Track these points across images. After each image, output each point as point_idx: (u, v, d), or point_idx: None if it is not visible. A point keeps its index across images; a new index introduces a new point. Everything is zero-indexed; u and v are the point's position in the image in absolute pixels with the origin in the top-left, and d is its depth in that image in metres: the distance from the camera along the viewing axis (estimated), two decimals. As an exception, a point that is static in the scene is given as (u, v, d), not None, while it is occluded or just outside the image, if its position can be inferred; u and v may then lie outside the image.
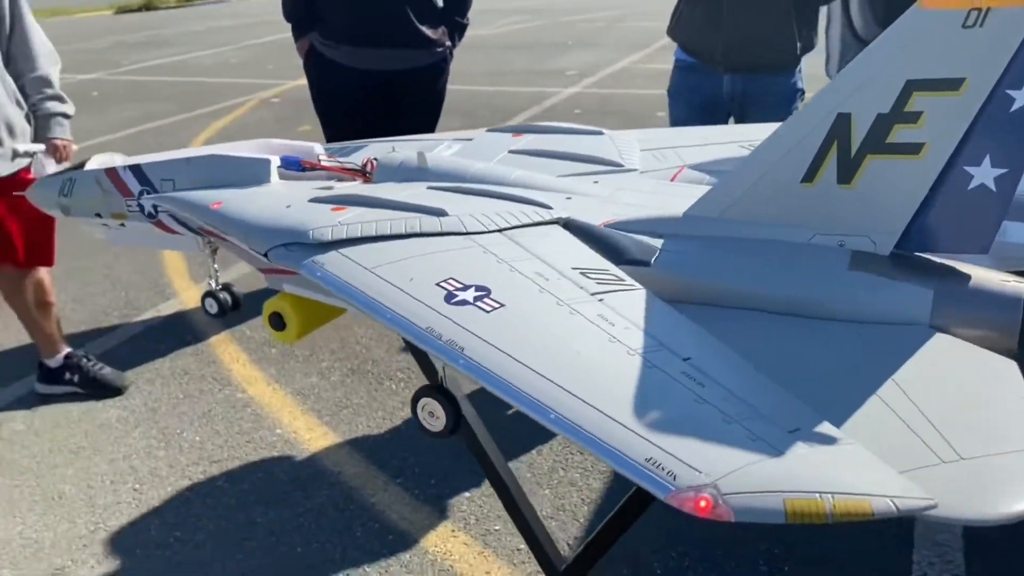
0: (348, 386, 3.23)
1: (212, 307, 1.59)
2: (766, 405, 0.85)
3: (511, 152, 1.46)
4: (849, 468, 0.80)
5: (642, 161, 1.45)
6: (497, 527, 2.44)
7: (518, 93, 8.81)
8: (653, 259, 1.10)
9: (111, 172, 1.51)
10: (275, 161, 1.40)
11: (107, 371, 3.26)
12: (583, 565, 1.54)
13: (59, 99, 2.97)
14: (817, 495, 0.76)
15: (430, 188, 1.25)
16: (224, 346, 3.62)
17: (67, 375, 3.21)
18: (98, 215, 1.58)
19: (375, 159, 1.38)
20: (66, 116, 2.98)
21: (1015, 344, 1.05)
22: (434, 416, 1.27)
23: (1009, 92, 0.94)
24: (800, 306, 1.03)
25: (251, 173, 1.37)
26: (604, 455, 0.81)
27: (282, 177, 1.43)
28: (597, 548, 1.52)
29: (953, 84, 0.94)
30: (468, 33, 3.96)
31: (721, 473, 0.79)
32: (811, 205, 1.04)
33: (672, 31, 3.28)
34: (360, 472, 2.73)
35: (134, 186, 1.49)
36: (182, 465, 2.80)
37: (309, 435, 2.93)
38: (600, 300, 0.98)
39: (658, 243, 1.12)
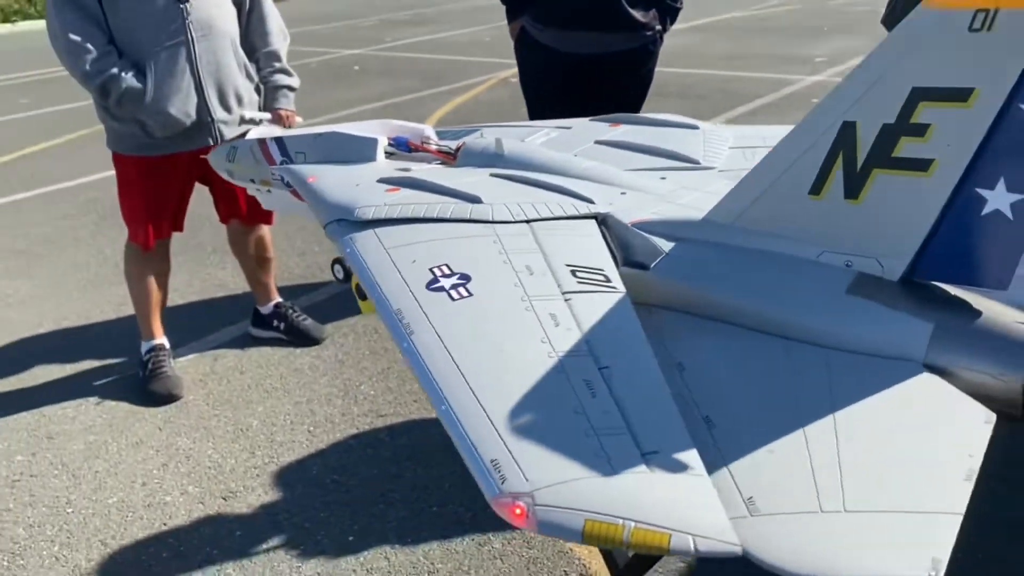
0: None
1: (339, 272, 1.69)
2: (643, 425, 0.80)
3: (597, 143, 1.44)
4: (674, 501, 0.76)
5: (730, 159, 1.36)
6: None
7: (756, 79, 8.44)
8: (653, 263, 1.05)
9: (262, 143, 1.68)
10: (383, 141, 1.48)
11: (309, 322, 3.59)
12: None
13: (286, 72, 3.27)
14: (620, 521, 0.74)
15: (493, 175, 1.27)
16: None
17: (275, 322, 3.57)
18: (252, 180, 1.77)
19: (464, 143, 1.42)
20: (291, 88, 3.28)
21: (1019, 395, 0.88)
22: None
23: (1022, 106, 0.80)
24: (788, 328, 0.94)
25: (360, 151, 1.47)
26: (462, 450, 0.81)
27: (390, 156, 1.51)
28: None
29: (962, 94, 0.81)
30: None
31: (544, 484, 0.77)
32: (819, 220, 0.94)
33: (886, 20, 3.01)
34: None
35: (276, 156, 1.64)
36: (353, 415, 3.04)
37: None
38: (567, 300, 0.96)
39: (667, 247, 1.07)
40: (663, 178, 1.27)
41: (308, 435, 2.94)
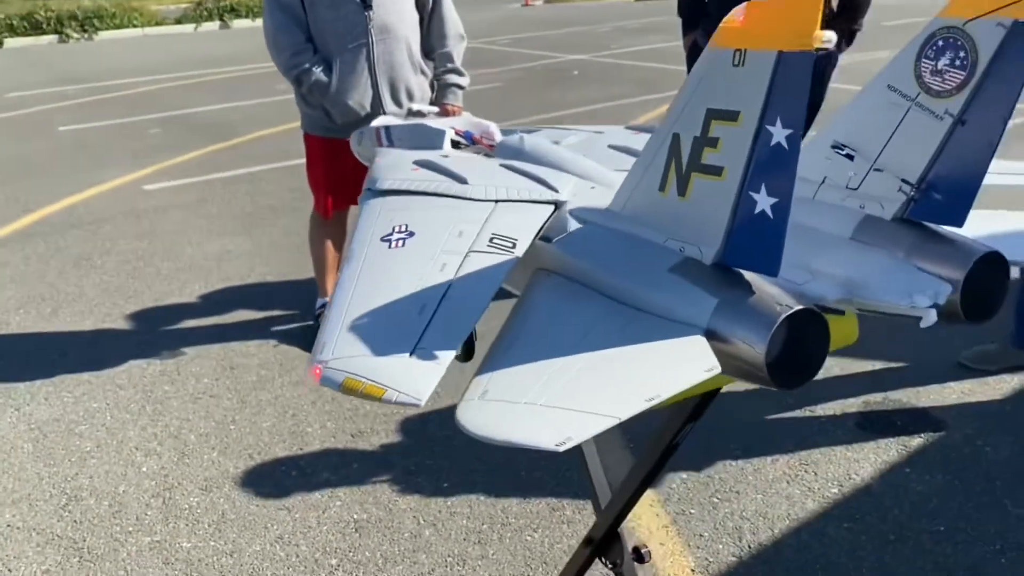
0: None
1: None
2: (433, 331, 1.07)
3: (609, 146, 1.62)
4: (404, 372, 1.03)
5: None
6: (692, 510, 2.56)
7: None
8: (555, 238, 1.25)
9: (378, 130, 2.01)
10: (450, 132, 1.76)
11: None
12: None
13: (457, 72, 3.65)
14: (363, 379, 1.03)
15: (501, 164, 1.51)
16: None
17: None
18: (370, 162, 2.10)
19: (503, 139, 1.67)
20: (459, 87, 3.66)
21: (762, 361, 1.00)
22: None
23: (768, 128, 0.95)
24: (624, 294, 1.10)
25: (432, 140, 1.76)
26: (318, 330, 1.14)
27: (457, 146, 1.79)
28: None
29: (733, 115, 1.00)
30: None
31: (338, 356, 1.07)
32: (665, 212, 1.09)
33: None
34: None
35: (384, 142, 1.97)
36: (477, 384, 3.36)
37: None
38: (466, 256, 1.19)
39: (574, 227, 1.26)
40: None
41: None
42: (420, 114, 3.55)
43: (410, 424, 3.10)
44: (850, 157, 1.24)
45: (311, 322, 3.89)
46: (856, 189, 1.25)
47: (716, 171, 1.02)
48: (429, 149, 1.74)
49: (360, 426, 3.11)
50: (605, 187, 1.40)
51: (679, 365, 1.00)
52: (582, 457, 1.75)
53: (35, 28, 18.32)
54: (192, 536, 2.56)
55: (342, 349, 1.08)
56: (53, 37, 18.36)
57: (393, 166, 1.56)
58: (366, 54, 3.37)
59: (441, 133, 1.74)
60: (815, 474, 2.71)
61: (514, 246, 1.22)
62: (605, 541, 1.66)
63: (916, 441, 2.85)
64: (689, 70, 4.21)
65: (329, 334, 1.11)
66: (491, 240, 1.23)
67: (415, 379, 1.06)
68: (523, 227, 1.27)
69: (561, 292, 1.17)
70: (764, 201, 0.98)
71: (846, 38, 3.80)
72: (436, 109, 3.63)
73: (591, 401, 0.96)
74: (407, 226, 1.29)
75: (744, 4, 0.98)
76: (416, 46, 3.53)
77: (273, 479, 2.84)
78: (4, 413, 3.29)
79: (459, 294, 1.14)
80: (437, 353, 1.08)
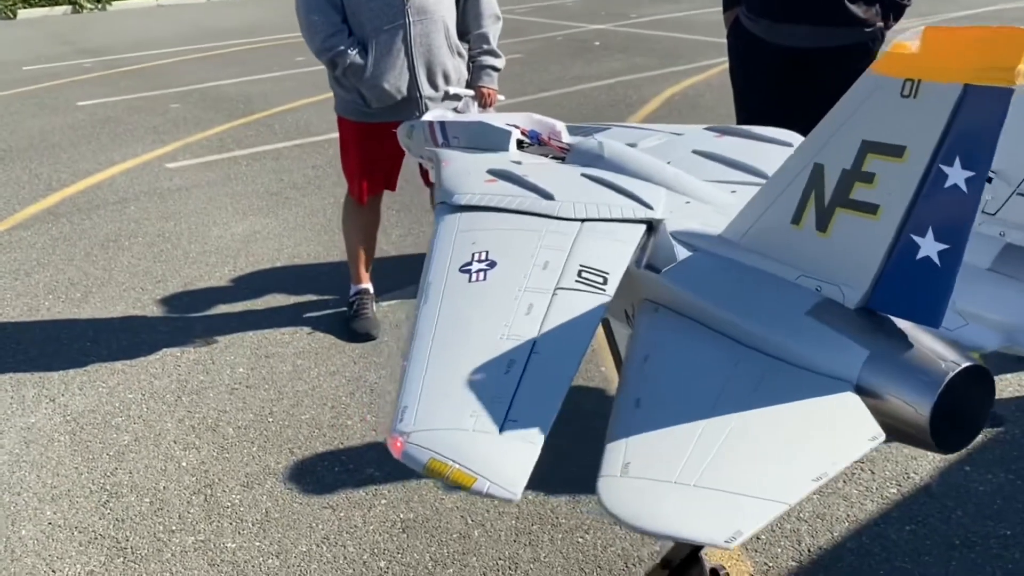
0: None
1: None
2: (523, 401, 0.99)
3: (693, 151, 1.52)
4: (497, 456, 0.96)
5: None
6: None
7: None
8: (664, 269, 1.15)
9: (431, 124, 1.92)
10: (515, 133, 1.66)
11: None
12: None
13: (493, 54, 3.54)
14: (450, 463, 0.96)
15: (583, 174, 1.41)
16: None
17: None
18: (421, 156, 2.02)
19: (577, 142, 1.56)
20: (495, 69, 3.55)
21: (926, 424, 0.91)
22: None
23: (943, 167, 0.84)
24: (754, 338, 1.01)
25: (496, 140, 1.66)
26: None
27: (523, 147, 1.69)
28: None
29: (897, 150, 0.90)
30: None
31: (421, 428, 0.99)
32: (798, 247, 1.00)
33: None
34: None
35: (439, 138, 1.88)
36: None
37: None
38: (553, 295, 1.11)
39: (682, 253, 1.16)
40: (733, 191, 1.35)
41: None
42: (456, 97, 3.46)
43: (452, 418, 3.03)
44: (987, 179, 1.14)
45: (344, 309, 3.82)
46: (994, 215, 1.15)
47: (869, 209, 0.92)
48: (492, 151, 1.65)
49: (400, 419, 3.05)
50: (700, 202, 1.30)
51: (840, 433, 0.91)
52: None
53: (48, -2, 18.15)
54: (236, 536, 2.51)
55: (425, 418, 1.00)
56: (67, 7, 18.19)
57: (464, 174, 1.46)
58: (403, 36, 3.26)
59: (506, 134, 1.65)
60: (872, 473, 2.63)
61: (605, 282, 1.14)
62: (685, 564, 1.59)
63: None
64: (730, 47, 4.06)
65: (410, 396, 1.03)
66: (580, 274, 1.14)
67: (507, 466, 0.98)
68: (613, 257, 1.18)
69: (682, 335, 1.08)
70: (930, 246, 0.88)
71: (894, 12, 3.65)
72: (472, 92, 3.53)
73: (752, 483, 0.87)
74: (487, 254, 1.21)
75: (918, 29, 0.87)
76: (453, 27, 3.42)
77: (315, 475, 2.78)
78: (39, 404, 3.25)
79: (549, 349, 1.06)
80: (529, 432, 1.01)
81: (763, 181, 1.36)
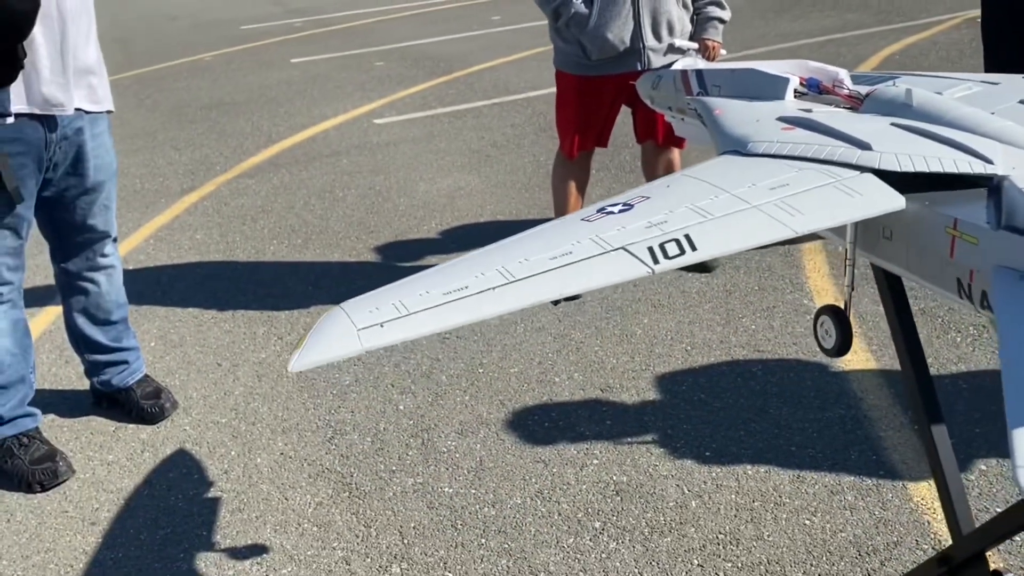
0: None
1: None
2: None
3: (1021, 102, 1.31)
4: None
5: None
6: (997, 507, 2.26)
7: None
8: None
9: (684, 73, 1.81)
10: (794, 81, 1.52)
11: None
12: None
13: (719, 5, 3.37)
14: None
15: (893, 123, 1.24)
16: (812, 255, 3.80)
17: None
18: (669, 108, 1.91)
19: (874, 89, 1.39)
20: (721, 21, 3.37)
21: None
22: (828, 334, 1.38)
23: None
24: None
25: (771, 89, 1.52)
26: None
27: (800, 96, 1.55)
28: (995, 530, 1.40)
29: None
30: None
31: None
32: None
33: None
34: (881, 404, 2.73)
35: (695, 87, 1.76)
36: (731, 344, 3.15)
37: (852, 356, 3.00)
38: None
39: None
40: None
41: (684, 353, 3.13)
42: (680, 50, 3.32)
43: (664, 384, 2.95)
44: None
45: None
46: None
47: None
48: (765, 100, 1.53)
49: (609, 380, 3.01)
50: (1047, 157, 1.13)
51: None
52: (939, 469, 1.50)
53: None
54: (453, 482, 2.56)
55: None
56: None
57: (752, 122, 1.35)
58: (629, -15, 3.15)
59: (783, 81, 1.51)
60: None
61: None
62: (967, 564, 1.44)
63: None
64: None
65: None
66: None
67: None
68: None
69: None
70: None
71: None
72: (696, 45, 3.37)
73: None
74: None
75: None
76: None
77: (526, 428, 2.79)
78: (268, 342, 3.47)
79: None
80: None
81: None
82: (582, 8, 3.19)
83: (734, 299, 3.48)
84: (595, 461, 2.60)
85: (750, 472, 2.49)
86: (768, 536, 2.25)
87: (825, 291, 3.47)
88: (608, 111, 3.48)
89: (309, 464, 2.70)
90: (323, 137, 6.34)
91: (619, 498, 2.44)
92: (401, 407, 2.96)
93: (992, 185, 1.05)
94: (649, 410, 2.84)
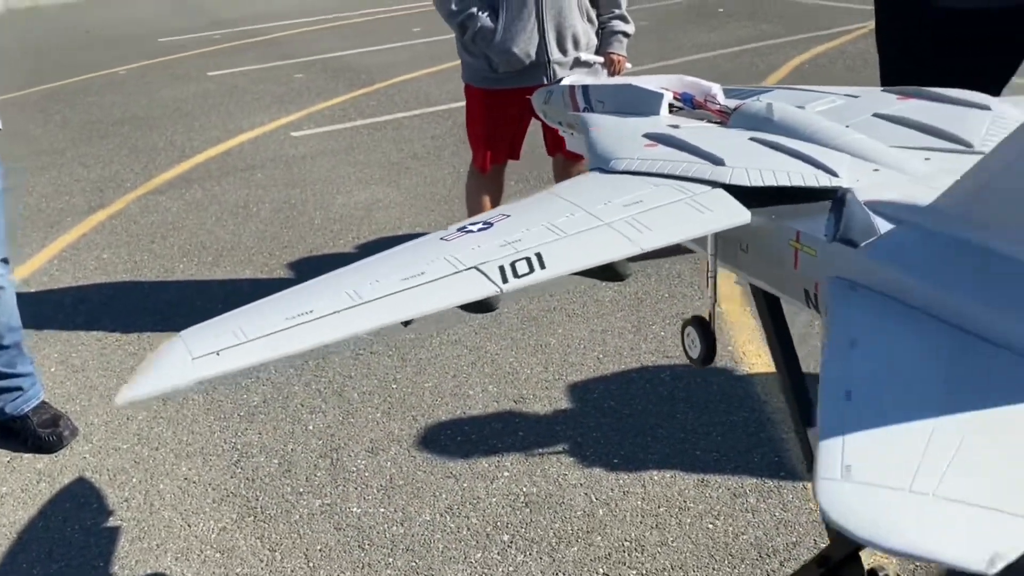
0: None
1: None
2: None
3: (875, 115, 1.36)
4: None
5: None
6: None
7: None
8: (864, 242, 1.01)
9: (572, 89, 1.83)
10: (667, 96, 1.55)
11: None
12: None
13: (623, 19, 3.42)
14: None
15: (752, 138, 1.28)
16: (721, 261, 3.88)
17: None
18: (559, 123, 1.94)
19: (741, 105, 1.43)
20: (625, 35, 3.43)
21: None
22: (694, 344, 1.42)
23: None
24: (982, 326, 0.86)
25: (646, 104, 1.55)
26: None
27: (675, 111, 1.58)
28: None
29: None
30: None
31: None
32: None
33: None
34: (785, 407, 2.79)
35: (581, 103, 1.78)
36: (640, 351, 3.19)
37: (756, 360, 3.06)
38: None
39: (886, 228, 1.01)
40: (927, 159, 1.20)
41: (596, 361, 3.15)
42: (586, 64, 3.36)
43: (576, 393, 2.97)
44: None
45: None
46: None
47: None
48: (642, 115, 1.55)
49: (523, 391, 3.01)
50: (890, 169, 1.17)
51: None
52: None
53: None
54: (362, 501, 2.53)
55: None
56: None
57: (618, 139, 1.37)
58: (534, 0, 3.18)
59: (657, 96, 1.54)
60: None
61: None
62: (843, 564, 1.48)
63: None
64: (876, 6, 3.76)
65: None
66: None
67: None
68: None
69: (895, 319, 0.95)
70: None
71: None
72: (602, 59, 3.42)
73: (1004, 495, 0.75)
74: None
75: None
76: (582, -9, 3.31)
77: (438, 444, 2.78)
78: (175, 363, 3.37)
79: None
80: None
81: (963, 148, 1.22)
82: (487, 22, 3.21)
83: (645, 307, 3.52)
84: (506, 473, 2.60)
85: (656, 478, 2.52)
86: (672, 541, 2.28)
87: (732, 297, 3.55)
88: (517, 124, 3.50)
89: (213, 489, 2.64)
90: (238, 151, 6.23)
91: (528, 510, 2.44)
92: (310, 427, 2.91)
93: (836, 198, 1.09)
94: (560, 420, 2.85)
